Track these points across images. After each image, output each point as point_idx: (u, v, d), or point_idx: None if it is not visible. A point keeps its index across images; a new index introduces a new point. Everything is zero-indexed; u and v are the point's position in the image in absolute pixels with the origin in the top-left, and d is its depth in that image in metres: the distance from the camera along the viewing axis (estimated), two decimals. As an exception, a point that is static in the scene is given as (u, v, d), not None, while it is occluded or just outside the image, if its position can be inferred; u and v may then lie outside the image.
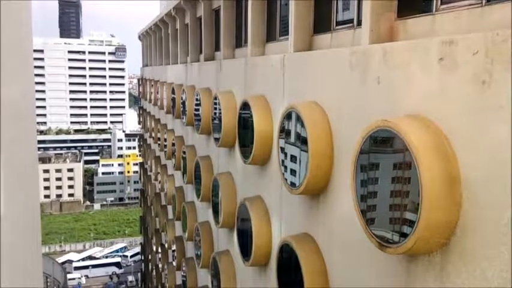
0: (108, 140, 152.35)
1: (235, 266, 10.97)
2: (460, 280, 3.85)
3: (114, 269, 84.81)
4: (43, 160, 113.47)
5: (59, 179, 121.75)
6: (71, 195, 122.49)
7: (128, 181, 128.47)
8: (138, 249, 76.46)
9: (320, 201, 6.48)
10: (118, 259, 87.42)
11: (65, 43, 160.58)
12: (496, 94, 3.50)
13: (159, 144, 23.33)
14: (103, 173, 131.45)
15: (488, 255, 3.57)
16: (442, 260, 4.03)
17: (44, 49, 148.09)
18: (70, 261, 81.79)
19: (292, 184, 6.68)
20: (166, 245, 21.63)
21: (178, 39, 19.55)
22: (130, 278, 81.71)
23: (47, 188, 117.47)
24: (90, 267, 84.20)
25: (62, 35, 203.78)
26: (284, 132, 6.99)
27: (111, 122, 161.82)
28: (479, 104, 3.67)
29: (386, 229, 4.31)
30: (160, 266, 24.57)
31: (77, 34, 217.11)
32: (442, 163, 3.84)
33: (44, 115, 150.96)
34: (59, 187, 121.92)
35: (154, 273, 28.38)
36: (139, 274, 67.11)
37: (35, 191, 6.38)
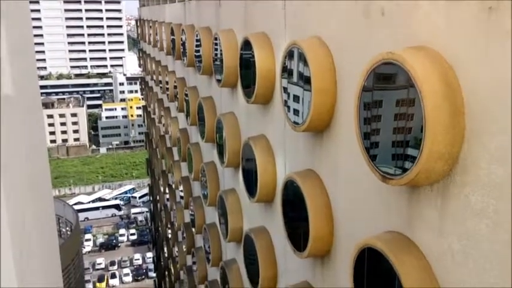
0: (110, 84, 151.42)
1: (242, 203, 11.27)
2: (461, 210, 3.95)
3: (114, 211, 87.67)
4: (46, 105, 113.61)
5: (63, 123, 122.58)
6: (76, 139, 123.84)
7: (132, 125, 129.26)
8: (146, 190, 78.37)
9: (324, 138, 6.52)
10: (117, 201, 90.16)
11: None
12: (502, 20, 3.41)
13: (161, 87, 23.15)
14: (107, 117, 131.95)
15: (492, 183, 3.63)
16: (445, 190, 4.11)
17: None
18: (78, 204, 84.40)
19: (295, 123, 6.69)
20: (173, 186, 22.11)
21: (175, -24, 18.85)
22: (140, 218, 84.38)
23: (52, 133, 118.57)
24: (101, 208, 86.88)
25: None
26: (287, 69, 6.90)
27: (111, 66, 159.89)
28: (485, 31, 3.58)
29: (389, 165, 4.36)
30: (168, 205, 25.25)
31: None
32: (447, 93, 3.81)
33: (44, 60, 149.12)
34: (64, 132, 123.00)
35: (163, 212, 29.23)
36: (148, 214, 69.11)
37: (42, 135, 6.45)
